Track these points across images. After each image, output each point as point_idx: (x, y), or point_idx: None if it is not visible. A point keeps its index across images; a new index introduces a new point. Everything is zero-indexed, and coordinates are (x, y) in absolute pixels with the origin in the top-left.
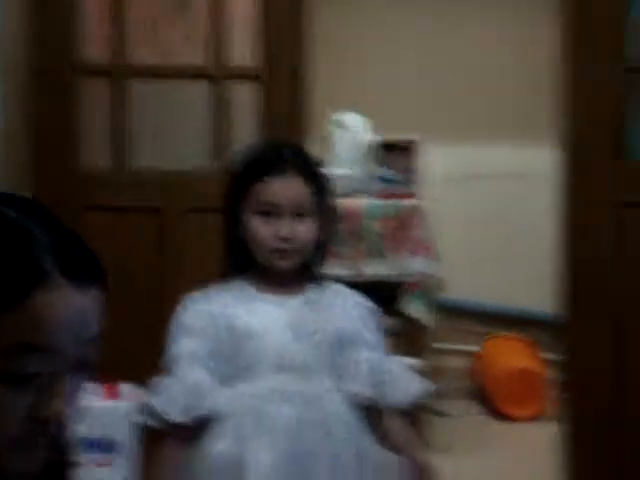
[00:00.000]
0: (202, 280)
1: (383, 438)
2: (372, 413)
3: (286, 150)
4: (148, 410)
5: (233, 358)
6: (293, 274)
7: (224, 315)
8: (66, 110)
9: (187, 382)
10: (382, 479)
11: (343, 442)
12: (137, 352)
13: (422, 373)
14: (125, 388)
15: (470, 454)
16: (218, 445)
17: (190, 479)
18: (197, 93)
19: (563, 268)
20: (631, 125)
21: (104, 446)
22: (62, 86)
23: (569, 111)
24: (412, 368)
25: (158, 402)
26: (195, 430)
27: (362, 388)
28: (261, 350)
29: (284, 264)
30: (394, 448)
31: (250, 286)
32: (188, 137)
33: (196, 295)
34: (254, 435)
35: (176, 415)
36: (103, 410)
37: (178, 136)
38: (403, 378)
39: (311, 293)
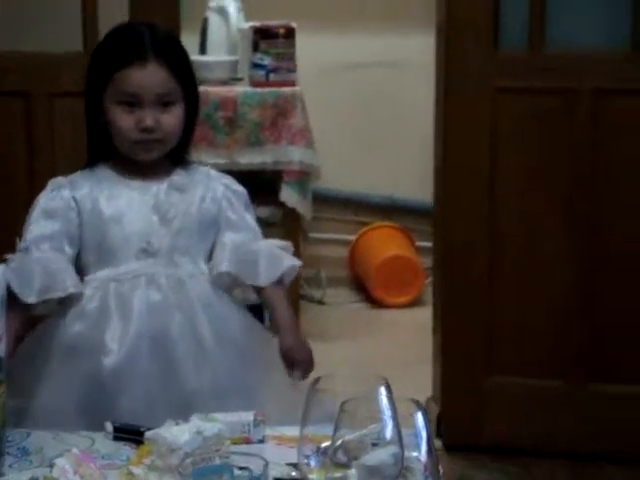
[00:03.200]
0: (71, 165)
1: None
2: (240, 292)
3: (147, 35)
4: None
5: (97, 243)
6: (158, 160)
7: (88, 200)
8: None
9: (44, 264)
10: (251, 362)
11: (207, 327)
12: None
13: (296, 242)
14: None
15: (347, 341)
16: (76, 326)
17: (46, 358)
18: None
19: (437, 155)
20: (507, 11)
21: None
22: None
23: None
24: (282, 248)
25: (11, 280)
26: (39, 310)
27: (226, 268)
28: (125, 235)
29: (148, 156)
30: (273, 326)
31: (114, 172)
32: (57, 19)
33: (60, 180)
34: (117, 318)
35: (30, 295)
36: None
37: (46, 18)
38: (271, 256)
39: (177, 177)
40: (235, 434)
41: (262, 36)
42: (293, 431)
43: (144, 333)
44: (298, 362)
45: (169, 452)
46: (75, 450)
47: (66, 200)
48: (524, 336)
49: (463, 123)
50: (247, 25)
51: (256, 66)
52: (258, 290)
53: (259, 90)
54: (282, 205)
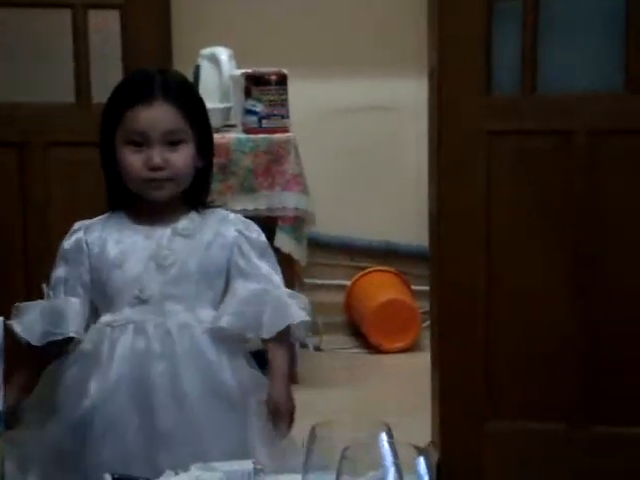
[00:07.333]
0: (66, 215)
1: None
2: (240, 343)
3: (157, 78)
4: (10, 332)
5: (102, 287)
6: (169, 204)
7: (97, 244)
8: None
9: (49, 307)
10: (240, 415)
11: (193, 376)
12: (1, 289)
13: (303, 305)
14: None
15: (345, 388)
16: (70, 371)
17: (49, 398)
18: (58, 23)
19: (431, 199)
20: (499, 55)
21: None
22: None
23: (436, 43)
24: (294, 296)
25: (19, 325)
26: (51, 353)
27: (225, 323)
28: (124, 280)
29: (159, 194)
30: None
31: (127, 217)
32: (48, 69)
33: (78, 223)
34: (105, 365)
35: (33, 339)
36: None
37: (38, 68)
38: (276, 309)
39: (184, 222)
40: None
41: (254, 83)
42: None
43: (123, 379)
44: (282, 414)
45: None
46: None
47: (78, 243)
48: (524, 379)
49: (457, 167)
50: (239, 72)
51: (249, 112)
52: (263, 339)
53: (252, 137)
54: (277, 251)
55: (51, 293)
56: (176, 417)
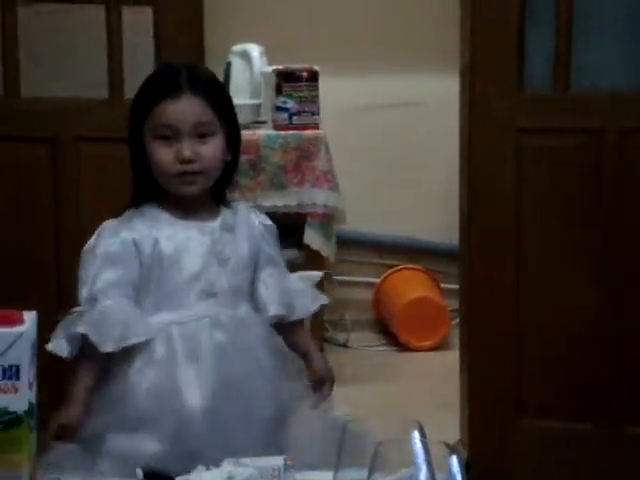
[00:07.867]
0: (97, 211)
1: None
2: (280, 327)
3: (184, 72)
4: (74, 339)
5: (156, 284)
6: (204, 198)
7: (148, 242)
8: None
9: (116, 311)
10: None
11: (269, 363)
12: (33, 283)
13: (320, 283)
14: (28, 315)
15: (371, 385)
16: (146, 373)
17: (119, 409)
18: (92, 19)
19: (462, 198)
20: (531, 53)
21: (9, 372)
22: None
23: (468, 41)
24: (311, 279)
25: (88, 332)
26: (116, 358)
27: (277, 311)
28: (185, 276)
29: (190, 189)
30: (301, 356)
31: (168, 213)
32: (82, 64)
33: (114, 223)
34: (185, 363)
35: (107, 345)
36: (6, 336)
37: (72, 63)
38: (304, 294)
39: (227, 217)
40: (266, 479)
41: (285, 79)
42: (321, 476)
43: (217, 375)
44: (327, 382)
45: None
46: None
47: (126, 244)
48: (553, 379)
49: (488, 165)
50: (270, 69)
51: (279, 109)
52: (278, 323)
53: (282, 133)
54: (306, 247)
55: (101, 297)
56: (270, 402)
